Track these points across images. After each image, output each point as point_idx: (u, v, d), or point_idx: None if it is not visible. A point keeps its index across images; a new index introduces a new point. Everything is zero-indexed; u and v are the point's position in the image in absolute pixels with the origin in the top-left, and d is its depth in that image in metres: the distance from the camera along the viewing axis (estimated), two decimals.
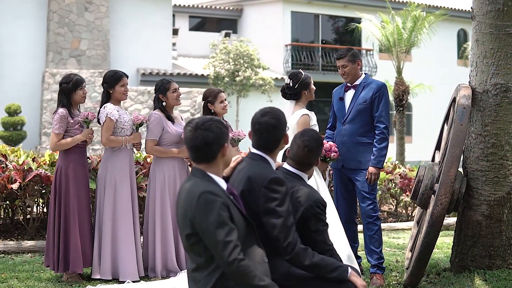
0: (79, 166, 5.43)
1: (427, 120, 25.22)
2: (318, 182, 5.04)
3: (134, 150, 5.72)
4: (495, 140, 5.16)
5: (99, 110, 5.53)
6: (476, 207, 5.25)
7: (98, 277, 5.38)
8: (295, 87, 5.32)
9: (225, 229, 2.85)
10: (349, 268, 3.28)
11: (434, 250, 6.38)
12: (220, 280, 2.93)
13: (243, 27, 25.93)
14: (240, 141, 5.64)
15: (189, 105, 19.18)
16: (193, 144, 2.97)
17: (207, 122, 2.97)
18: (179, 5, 25.16)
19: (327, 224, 3.42)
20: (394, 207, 9.69)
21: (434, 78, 24.87)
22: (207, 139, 2.95)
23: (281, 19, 23.98)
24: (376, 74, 23.92)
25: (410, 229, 7.23)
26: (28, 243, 6.66)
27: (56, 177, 5.41)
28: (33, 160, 7.36)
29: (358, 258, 5.54)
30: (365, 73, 5.58)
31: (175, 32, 23.29)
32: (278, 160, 3.86)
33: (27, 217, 7.36)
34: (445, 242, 7.33)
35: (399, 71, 17.46)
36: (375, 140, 5.33)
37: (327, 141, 5.40)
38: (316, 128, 5.18)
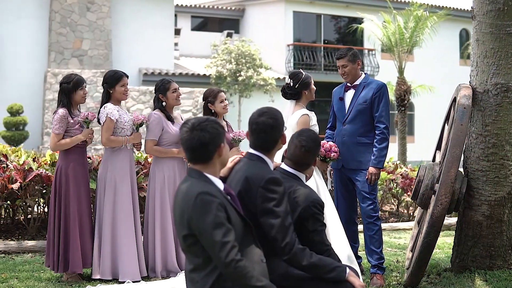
0: (79, 166, 5.42)
1: (429, 120, 25.19)
2: (318, 182, 5.03)
3: (134, 150, 5.72)
4: (495, 140, 5.15)
5: (99, 110, 5.53)
6: (476, 207, 5.24)
7: (98, 277, 5.38)
8: (296, 86, 5.31)
9: (222, 229, 2.84)
10: (347, 268, 3.27)
11: (435, 250, 6.38)
12: (217, 281, 2.92)
13: (245, 27, 25.93)
14: (241, 141, 5.64)
15: (191, 105, 19.18)
16: (190, 144, 2.96)
17: (203, 123, 2.96)
18: (181, 5, 25.17)
19: (324, 224, 3.42)
20: (396, 207, 9.68)
21: (436, 78, 24.85)
22: (203, 140, 2.94)
23: (283, 19, 23.97)
24: (379, 74, 23.91)
25: (412, 229, 7.21)
26: (29, 243, 6.66)
27: (56, 177, 5.41)
28: (34, 160, 7.36)
29: (358, 258, 5.53)
30: (365, 73, 5.57)
31: (177, 32, 23.30)
32: (278, 160, 3.85)
33: (28, 217, 7.36)
34: (446, 242, 7.32)
35: (400, 70, 17.44)
36: (375, 140, 5.32)
37: (327, 141, 5.40)
38: (316, 128, 5.16)
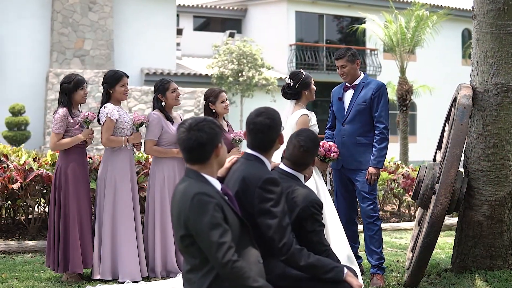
0: (79, 166, 5.42)
1: (431, 120, 25.15)
2: (317, 182, 5.02)
3: (134, 150, 5.72)
4: (496, 140, 5.14)
5: (99, 110, 5.53)
6: (477, 208, 5.23)
7: (98, 277, 5.38)
8: (296, 86, 5.30)
9: (219, 230, 2.83)
10: (345, 268, 3.26)
11: (435, 251, 6.37)
12: (214, 282, 2.91)
13: (248, 27, 25.93)
14: (241, 141, 5.63)
15: (193, 105, 19.18)
16: (187, 145, 2.95)
17: (200, 123, 2.96)
18: (183, 5, 25.18)
19: (323, 225, 3.41)
20: (397, 207, 9.67)
21: (438, 77, 24.82)
22: (200, 140, 2.93)
23: (285, 19, 23.97)
24: (381, 74, 23.89)
25: (412, 229, 7.20)
26: (30, 243, 6.66)
27: (56, 177, 5.41)
28: (34, 160, 7.37)
29: (358, 258, 5.53)
30: (364, 73, 5.56)
31: (179, 32, 23.30)
32: (278, 160, 3.84)
33: (28, 217, 7.37)
34: (447, 242, 7.31)
35: (402, 70, 17.41)
36: (374, 141, 5.31)
37: (327, 141, 5.39)
38: (316, 128, 5.16)
